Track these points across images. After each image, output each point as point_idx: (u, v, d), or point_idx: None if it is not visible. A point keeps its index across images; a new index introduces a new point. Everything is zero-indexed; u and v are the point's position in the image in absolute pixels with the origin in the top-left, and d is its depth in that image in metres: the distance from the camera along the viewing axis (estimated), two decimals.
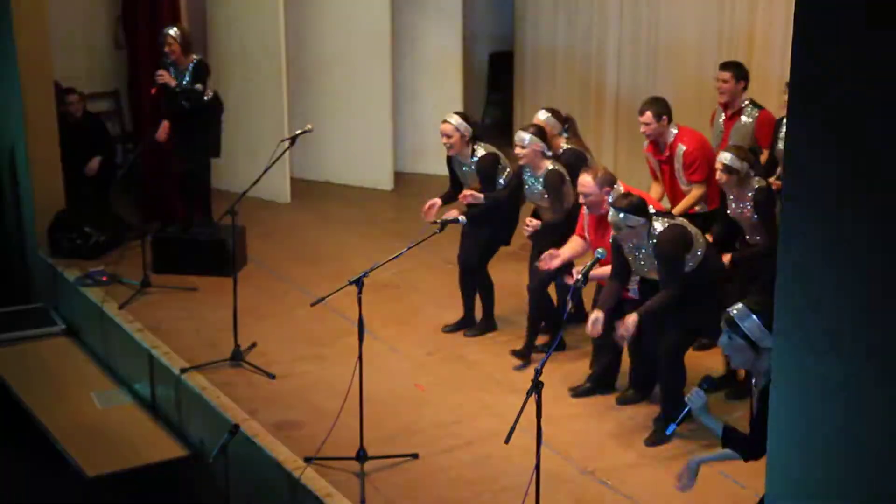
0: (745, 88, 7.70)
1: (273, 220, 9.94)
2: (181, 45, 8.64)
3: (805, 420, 3.41)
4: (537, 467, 4.85)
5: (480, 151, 7.50)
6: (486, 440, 6.35)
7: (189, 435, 7.15)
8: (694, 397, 4.79)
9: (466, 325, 7.83)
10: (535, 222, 7.23)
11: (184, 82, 8.64)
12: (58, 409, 7.58)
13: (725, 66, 7.79)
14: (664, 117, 7.34)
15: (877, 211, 3.06)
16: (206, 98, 8.68)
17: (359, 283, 5.94)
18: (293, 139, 7.86)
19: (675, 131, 7.40)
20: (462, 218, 6.73)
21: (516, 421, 4.66)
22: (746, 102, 7.71)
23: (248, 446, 6.40)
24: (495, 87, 12.75)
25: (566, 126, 7.73)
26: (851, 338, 3.19)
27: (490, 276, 7.77)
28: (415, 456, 6.28)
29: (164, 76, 8.59)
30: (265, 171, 7.41)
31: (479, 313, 7.83)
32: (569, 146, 7.60)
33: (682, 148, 7.35)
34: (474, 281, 7.74)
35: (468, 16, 11.61)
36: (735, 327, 4.65)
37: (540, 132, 7.26)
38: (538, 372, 4.74)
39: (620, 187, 6.60)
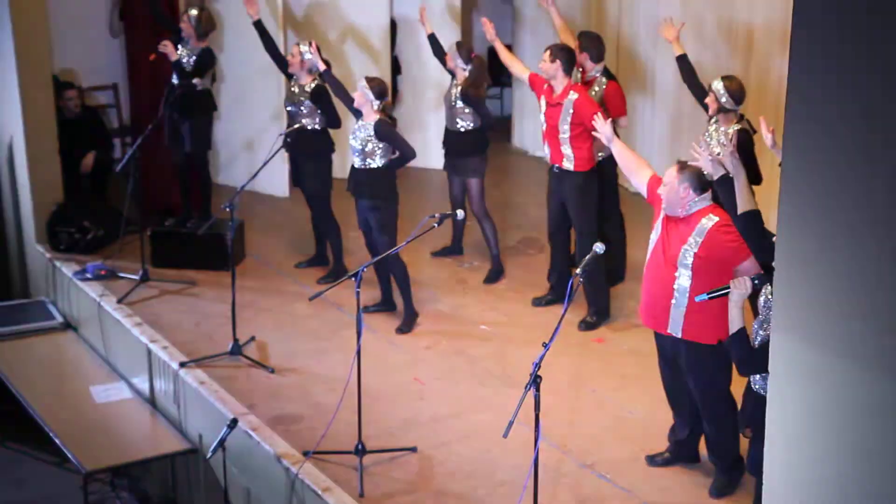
0: (599, 60, 7.86)
1: (272, 214, 9.93)
2: (194, 28, 8.79)
3: (805, 418, 3.41)
4: (536, 461, 4.85)
5: (312, 85, 8.22)
6: (485, 434, 6.35)
7: (187, 429, 7.15)
8: (739, 284, 4.81)
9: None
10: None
11: (189, 64, 8.76)
12: (56, 404, 7.57)
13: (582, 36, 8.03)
14: (558, 61, 7.38)
15: (876, 208, 3.06)
16: (197, 87, 8.73)
17: (357, 277, 5.93)
18: (292, 133, 7.85)
19: (571, 82, 7.46)
20: (460, 213, 6.74)
21: (515, 415, 4.66)
22: (598, 73, 7.89)
23: (247, 440, 6.40)
24: (494, 81, 12.73)
25: (469, 65, 8.23)
26: (852, 336, 3.19)
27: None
28: (413, 450, 6.28)
29: (168, 46, 8.65)
30: (264, 164, 7.43)
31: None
32: (464, 85, 8.15)
33: (573, 95, 7.38)
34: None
35: (467, 10, 11.59)
36: None
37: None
38: (536, 366, 4.74)
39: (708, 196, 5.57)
